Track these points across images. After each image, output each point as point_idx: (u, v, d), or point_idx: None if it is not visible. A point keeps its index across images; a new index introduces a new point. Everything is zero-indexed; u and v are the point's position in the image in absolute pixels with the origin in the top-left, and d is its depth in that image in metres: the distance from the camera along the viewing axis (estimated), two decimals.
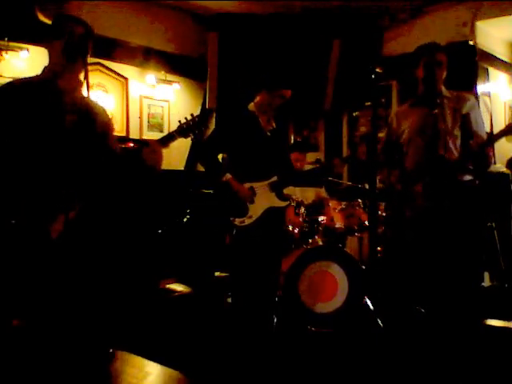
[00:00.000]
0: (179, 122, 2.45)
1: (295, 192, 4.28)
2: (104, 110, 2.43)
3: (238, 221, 3.04)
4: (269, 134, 3.22)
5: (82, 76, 2.20)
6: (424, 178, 2.93)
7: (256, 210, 3.07)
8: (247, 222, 3.04)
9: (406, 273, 3.06)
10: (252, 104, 3.24)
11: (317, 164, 3.67)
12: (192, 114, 2.48)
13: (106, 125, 2.38)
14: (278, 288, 3.46)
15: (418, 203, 2.94)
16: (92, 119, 2.28)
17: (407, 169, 3.06)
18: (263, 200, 3.10)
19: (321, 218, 4.00)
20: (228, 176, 3.05)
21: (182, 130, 2.42)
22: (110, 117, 2.53)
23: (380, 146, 3.34)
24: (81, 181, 2.16)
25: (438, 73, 2.99)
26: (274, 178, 3.17)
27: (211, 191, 4.61)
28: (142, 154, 2.30)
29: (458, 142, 2.96)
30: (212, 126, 5.74)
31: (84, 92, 2.22)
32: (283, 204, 3.23)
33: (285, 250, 3.72)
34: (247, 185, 3.09)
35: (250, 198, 3.07)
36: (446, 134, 2.93)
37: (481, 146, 2.90)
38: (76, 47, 2.13)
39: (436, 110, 2.95)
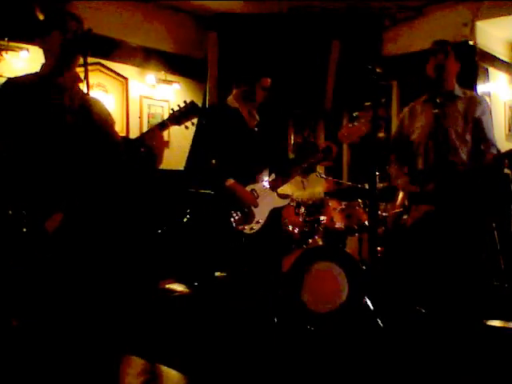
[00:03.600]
0: (171, 109, 2.42)
1: (295, 192, 4.28)
2: (103, 106, 2.42)
3: (247, 228, 2.91)
4: (256, 129, 3.10)
5: (79, 72, 2.20)
6: (433, 180, 2.91)
7: (262, 213, 2.97)
8: (256, 227, 2.93)
9: (411, 272, 3.06)
10: (231, 98, 3.09)
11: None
12: (185, 101, 2.42)
13: (106, 121, 2.37)
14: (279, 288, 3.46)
15: (426, 205, 2.93)
16: (91, 115, 2.27)
17: (417, 169, 3.04)
18: (267, 202, 3.01)
19: (321, 218, 3.99)
20: (231, 181, 2.89)
21: (174, 118, 2.39)
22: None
23: (390, 142, 3.33)
24: (80, 177, 2.16)
25: (444, 67, 2.95)
26: (273, 177, 3.09)
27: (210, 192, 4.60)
28: (144, 139, 2.27)
29: (469, 146, 2.94)
30: None
31: (83, 88, 2.22)
32: (284, 202, 3.17)
33: (285, 250, 3.72)
34: (248, 187, 2.98)
35: (255, 201, 2.95)
36: (456, 139, 2.92)
37: (493, 160, 2.88)
38: (71, 42, 2.11)
39: (447, 111, 2.94)
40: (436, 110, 2.96)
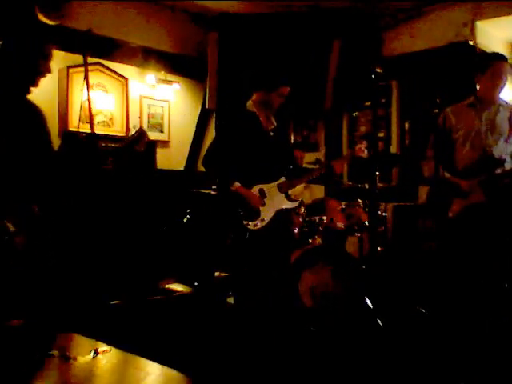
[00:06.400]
0: (123, 138, 2.37)
1: (295, 192, 4.28)
2: (39, 108, 2.34)
3: (251, 224, 3.05)
4: (272, 133, 3.21)
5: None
6: (477, 176, 3.08)
7: (268, 212, 3.10)
8: (260, 225, 3.07)
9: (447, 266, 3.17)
10: (250, 102, 3.21)
11: (316, 164, 3.67)
12: (141, 127, 2.48)
13: (42, 122, 2.32)
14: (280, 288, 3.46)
15: (467, 200, 3.07)
16: (33, 119, 2.24)
17: (458, 167, 3.20)
18: (274, 202, 3.13)
19: (321, 218, 4.00)
20: (236, 185, 3.04)
21: (126, 145, 2.38)
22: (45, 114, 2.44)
23: (432, 139, 3.44)
24: (31, 184, 2.12)
25: (501, 81, 3.20)
26: (282, 179, 3.18)
27: (212, 192, 4.61)
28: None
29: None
30: (211, 126, 5.77)
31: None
32: (293, 205, 3.25)
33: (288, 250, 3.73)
34: (256, 187, 3.10)
35: (261, 202, 3.08)
36: (500, 138, 3.15)
37: None
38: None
39: (494, 116, 3.19)
40: (485, 112, 3.21)
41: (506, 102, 3.33)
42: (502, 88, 3.23)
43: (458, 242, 3.12)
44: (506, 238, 3.04)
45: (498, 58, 3.25)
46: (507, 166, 3.12)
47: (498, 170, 3.11)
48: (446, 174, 3.24)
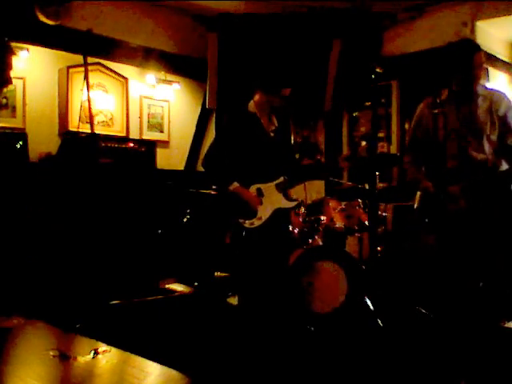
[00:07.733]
0: None
1: (295, 192, 4.28)
2: None
3: (247, 222, 3.05)
4: (272, 134, 3.22)
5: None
6: (461, 179, 2.93)
7: (265, 211, 3.09)
8: (257, 223, 3.06)
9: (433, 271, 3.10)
10: (252, 103, 3.23)
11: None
12: None
13: None
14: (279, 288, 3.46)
15: (454, 204, 2.93)
16: None
17: (442, 168, 2.99)
18: (271, 201, 3.12)
19: (321, 218, 4.00)
20: (235, 185, 3.05)
21: None
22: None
23: (408, 142, 3.33)
24: None
25: (475, 72, 2.98)
26: (281, 179, 3.19)
27: (212, 192, 4.62)
28: None
29: (495, 143, 2.97)
30: (211, 126, 5.77)
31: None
32: (291, 205, 3.24)
33: (288, 250, 3.72)
34: (254, 186, 3.11)
35: (257, 204, 3.08)
36: (481, 136, 2.95)
37: None
38: None
39: (472, 110, 2.97)
40: (461, 108, 2.99)
41: (487, 88, 3.11)
42: (479, 80, 3.01)
43: (446, 247, 3.03)
44: (488, 245, 2.93)
45: (473, 49, 3.02)
46: (488, 154, 2.94)
47: (483, 174, 2.91)
48: (426, 180, 3.08)
